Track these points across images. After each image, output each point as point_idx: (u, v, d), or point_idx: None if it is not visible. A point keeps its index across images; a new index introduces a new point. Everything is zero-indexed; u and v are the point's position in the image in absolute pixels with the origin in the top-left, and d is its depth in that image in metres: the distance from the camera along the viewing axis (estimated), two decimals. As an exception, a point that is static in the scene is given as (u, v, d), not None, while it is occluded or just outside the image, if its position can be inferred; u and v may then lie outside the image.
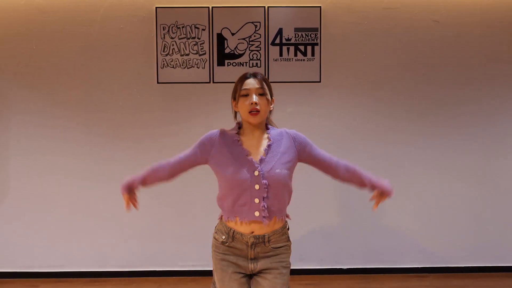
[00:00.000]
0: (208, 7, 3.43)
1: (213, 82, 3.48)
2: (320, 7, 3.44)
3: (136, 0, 3.42)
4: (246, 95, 1.85)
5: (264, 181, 1.78)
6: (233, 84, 3.57)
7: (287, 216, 1.93)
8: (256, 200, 1.79)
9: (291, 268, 1.93)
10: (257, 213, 1.79)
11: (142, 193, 3.49)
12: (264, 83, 1.87)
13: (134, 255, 3.57)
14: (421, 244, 3.60)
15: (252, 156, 1.83)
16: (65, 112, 3.50)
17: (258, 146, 1.87)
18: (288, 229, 1.94)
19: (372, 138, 3.55)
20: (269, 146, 1.85)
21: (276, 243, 1.85)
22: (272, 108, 1.93)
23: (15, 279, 3.52)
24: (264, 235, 1.82)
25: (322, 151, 1.96)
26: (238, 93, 1.87)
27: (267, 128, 1.93)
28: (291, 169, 1.86)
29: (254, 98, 1.82)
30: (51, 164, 3.53)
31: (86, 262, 3.57)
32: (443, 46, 3.51)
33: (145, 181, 2.09)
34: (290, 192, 1.90)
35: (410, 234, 3.60)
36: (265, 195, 1.79)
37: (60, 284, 3.44)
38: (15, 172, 3.53)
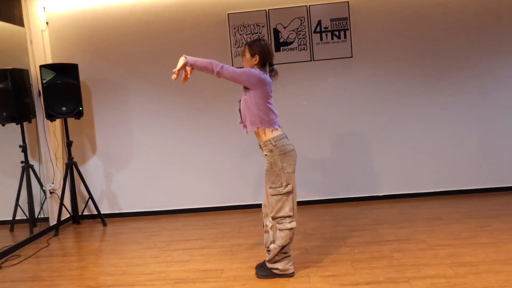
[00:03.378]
0: (266, 10, 4.68)
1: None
2: (348, 1, 4.61)
3: (213, 10, 4.73)
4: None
5: (239, 108, 2.99)
6: (289, 65, 4.75)
7: (266, 130, 2.87)
8: (239, 119, 3.01)
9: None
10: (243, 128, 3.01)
11: (228, 153, 4.80)
12: (246, 47, 2.92)
13: (224, 195, 4.92)
14: (438, 173, 4.73)
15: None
16: (169, 96, 4.87)
17: None
18: (275, 145, 2.83)
19: (392, 98, 4.69)
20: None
21: (264, 150, 2.90)
22: (256, 63, 2.89)
23: (144, 217, 4.98)
24: (260, 144, 2.94)
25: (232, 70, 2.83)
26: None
27: None
28: (247, 95, 2.85)
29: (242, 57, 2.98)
30: (163, 135, 4.91)
31: (191, 202, 4.95)
32: (444, 22, 4.59)
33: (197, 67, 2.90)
34: (252, 112, 2.86)
35: (430, 167, 4.73)
36: (240, 115, 2.99)
37: (175, 217, 4.84)
38: (138, 143, 4.95)
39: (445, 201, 4.54)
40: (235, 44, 4.73)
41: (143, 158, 4.96)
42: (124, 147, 4.97)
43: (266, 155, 2.90)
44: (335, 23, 4.65)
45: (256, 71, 2.85)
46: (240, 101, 2.99)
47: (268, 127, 2.88)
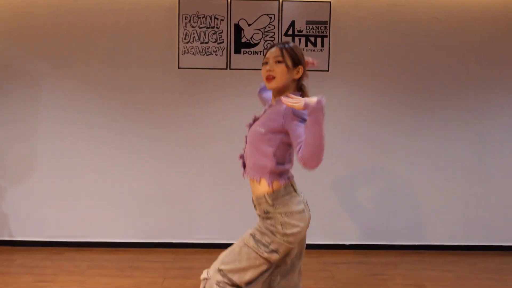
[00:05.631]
0: (227, 0, 3.72)
1: (230, 69, 3.75)
2: (330, 2, 3.73)
3: (160, -9, 3.71)
4: (266, 63, 1.96)
5: (247, 135, 1.99)
6: (250, 72, 3.87)
7: (272, 186, 1.88)
8: (243, 151, 2.03)
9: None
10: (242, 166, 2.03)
11: (160, 171, 3.77)
12: (284, 51, 1.93)
13: (152, 227, 3.83)
14: (417, 224, 3.89)
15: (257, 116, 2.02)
16: (92, 94, 3.75)
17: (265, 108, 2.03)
18: (272, 205, 1.86)
19: (373, 125, 3.83)
20: (269, 106, 1.98)
21: (260, 208, 1.91)
22: (298, 76, 1.96)
23: (42, 248, 3.77)
24: (253, 199, 1.97)
25: (300, 133, 1.78)
26: (263, 62, 1.99)
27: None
28: (270, 131, 1.86)
29: (270, 66, 1.92)
30: (77, 143, 3.78)
31: (107, 233, 3.83)
32: (442, 42, 3.80)
33: None
34: (263, 154, 1.87)
35: (407, 215, 3.88)
36: (245, 147, 2.00)
37: (83, 252, 3.69)
38: (43, 150, 3.77)
39: (425, 259, 3.68)
40: (185, 39, 3.72)
41: (48, 170, 3.78)
42: (25, 154, 3.77)
43: (265, 214, 1.90)
44: (312, 27, 3.75)
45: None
46: (250, 126, 2.02)
47: (276, 180, 1.90)
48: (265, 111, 1.98)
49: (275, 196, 1.87)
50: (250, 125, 2.00)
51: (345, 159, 3.84)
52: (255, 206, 1.96)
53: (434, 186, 3.87)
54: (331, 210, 3.87)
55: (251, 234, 1.88)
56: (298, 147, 1.74)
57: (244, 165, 2.02)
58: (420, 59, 3.81)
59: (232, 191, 3.78)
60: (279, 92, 1.96)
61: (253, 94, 3.74)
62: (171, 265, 3.42)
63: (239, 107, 3.75)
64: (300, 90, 2.01)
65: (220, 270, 1.84)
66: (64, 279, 3.11)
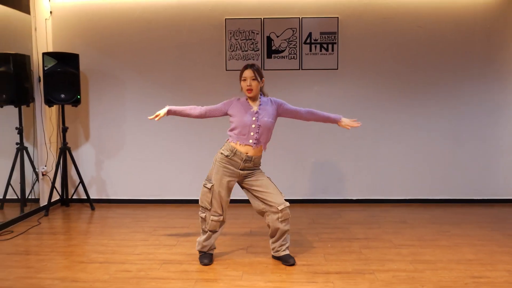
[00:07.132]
0: (261, 18, 5.00)
1: (264, 70, 5.04)
2: (337, 17, 4.97)
3: (211, 13, 5.02)
4: (245, 80, 3.19)
5: (258, 123, 3.17)
6: (279, 71, 5.08)
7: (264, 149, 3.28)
8: (252, 133, 3.18)
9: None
10: (250, 141, 3.18)
11: (215, 149, 5.09)
12: (255, 72, 3.15)
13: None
14: (406, 183, 5.13)
15: (253, 110, 3.20)
16: (162, 91, 5.12)
17: (255, 106, 3.22)
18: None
19: (372, 108, 5.07)
20: (260, 105, 3.20)
21: (256, 163, 3.25)
22: (262, 85, 3.23)
23: (129, 204, 5.21)
24: (252, 156, 3.20)
25: (293, 106, 3.32)
26: (240, 79, 3.22)
27: (260, 96, 3.26)
28: (274, 119, 3.23)
29: (249, 82, 3.16)
30: (151, 127, 5.15)
31: (176, 192, 5.22)
32: (425, 45, 5.00)
33: (179, 113, 3.45)
34: (271, 133, 3.26)
35: (399, 177, 5.12)
36: (257, 131, 3.17)
37: (160, 206, 5.09)
38: (128, 133, 5.19)
39: (412, 207, 4.93)
40: (230, 48, 5.03)
41: (133, 148, 5.21)
42: (116, 136, 5.20)
43: (257, 166, 3.30)
44: (324, 36, 5.00)
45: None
46: (257, 117, 3.18)
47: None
48: (260, 109, 3.21)
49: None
50: (256, 118, 3.19)
51: (352, 137, 5.09)
52: (251, 160, 3.21)
53: (422, 154, 5.10)
54: (342, 174, 5.15)
55: (267, 178, 3.29)
56: (303, 110, 3.29)
57: (256, 142, 3.22)
58: (408, 59, 5.02)
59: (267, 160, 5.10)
60: (254, 96, 3.24)
61: (282, 88, 5.05)
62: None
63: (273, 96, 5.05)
64: (263, 93, 3.32)
65: (284, 202, 3.22)
66: (153, 220, 4.52)
